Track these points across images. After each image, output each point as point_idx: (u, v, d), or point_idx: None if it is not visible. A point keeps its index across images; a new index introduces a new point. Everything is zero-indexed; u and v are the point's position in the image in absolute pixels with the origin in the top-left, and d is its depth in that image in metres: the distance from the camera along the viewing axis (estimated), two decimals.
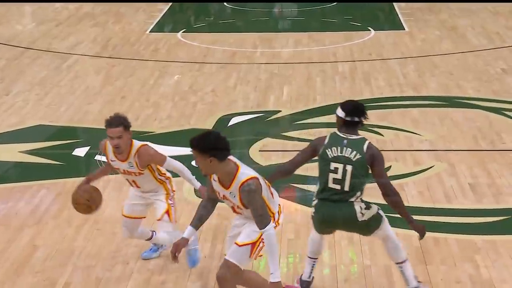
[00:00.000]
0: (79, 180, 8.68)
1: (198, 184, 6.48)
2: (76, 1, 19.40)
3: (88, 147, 9.76)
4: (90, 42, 15.34)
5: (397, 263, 6.03)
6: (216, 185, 5.39)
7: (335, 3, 19.80)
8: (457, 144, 9.80)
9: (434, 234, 6.15)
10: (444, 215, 7.48)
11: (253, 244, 5.42)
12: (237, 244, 5.44)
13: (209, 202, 5.57)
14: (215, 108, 11.37)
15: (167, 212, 6.41)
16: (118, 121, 6.10)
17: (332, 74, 13.09)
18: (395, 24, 17.19)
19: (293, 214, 8.05)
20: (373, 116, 10.66)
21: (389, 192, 5.77)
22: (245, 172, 5.27)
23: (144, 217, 6.68)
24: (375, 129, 10.28)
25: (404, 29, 16.62)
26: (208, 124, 10.63)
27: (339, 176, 5.63)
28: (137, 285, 6.50)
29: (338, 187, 5.67)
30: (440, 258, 6.36)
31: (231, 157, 5.27)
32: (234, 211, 5.57)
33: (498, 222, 7.81)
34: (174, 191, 6.61)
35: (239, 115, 11.13)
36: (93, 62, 13.95)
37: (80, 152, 9.68)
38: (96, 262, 6.93)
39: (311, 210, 5.94)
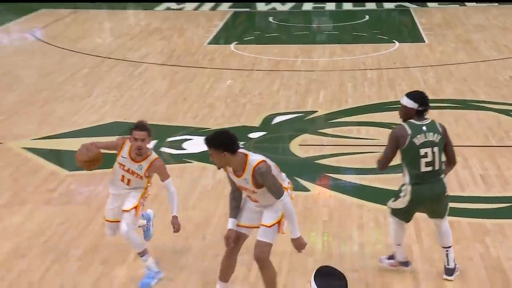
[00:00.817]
0: None
1: (175, 212, 6.18)
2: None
3: (156, 141, 9.83)
4: (158, 53, 15.46)
5: (445, 247, 6.00)
6: (232, 176, 5.42)
7: (365, 19, 19.66)
8: (470, 141, 9.71)
9: (449, 218, 6.08)
10: (458, 201, 7.38)
11: (279, 223, 5.47)
12: (266, 225, 5.46)
13: (236, 193, 5.58)
14: (261, 109, 11.38)
15: (136, 208, 6.19)
16: (144, 127, 6.00)
17: (361, 80, 13.04)
18: (417, 38, 17.04)
19: (327, 200, 8.08)
20: (397, 116, 10.70)
21: (454, 161, 5.94)
22: (254, 158, 5.28)
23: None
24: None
25: (424, 42, 16.46)
26: (255, 122, 10.67)
27: (429, 159, 5.60)
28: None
29: (430, 168, 5.64)
30: (455, 239, 6.28)
31: (239, 149, 5.27)
32: (252, 200, 5.55)
33: (505, 208, 7.78)
34: (149, 194, 6.46)
35: (282, 114, 11.13)
36: (160, 70, 14.06)
37: (148, 145, 9.74)
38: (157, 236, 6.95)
39: (401, 200, 5.82)
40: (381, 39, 16.82)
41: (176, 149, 9.57)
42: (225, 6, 21.74)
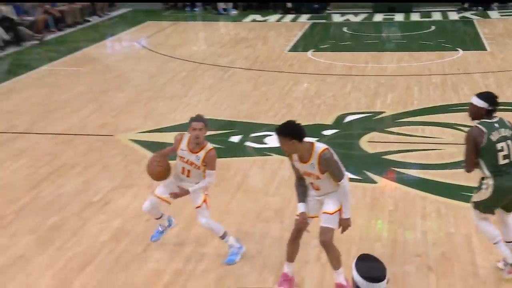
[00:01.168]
0: (233, 159, 9.00)
1: (197, 187, 6.05)
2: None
3: (240, 136, 9.93)
4: (244, 59, 15.55)
5: (509, 242, 5.77)
6: (297, 164, 5.39)
7: (431, 29, 19.23)
8: None
9: None
10: None
11: (340, 210, 5.43)
12: (328, 213, 5.42)
13: (300, 181, 5.54)
14: (334, 109, 11.29)
15: (205, 201, 6.18)
16: (201, 118, 6.00)
17: (427, 85, 12.76)
18: (479, 46, 16.52)
19: (393, 191, 7.94)
20: (459, 117, 10.45)
21: None
22: (319, 146, 5.29)
23: (170, 203, 6.40)
24: (461, 127, 9.97)
25: (486, 50, 15.95)
26: (328, 120, 10.58)
27: (505, 152, 5.45)
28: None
29: (507, 161, 5.49)
30: None
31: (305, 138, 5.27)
32: (313, 187, 5.50)
33: None
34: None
35: (353, 114, 10.99)
36: (246, 74, 14.14)
37: (235, 139, 9.86)
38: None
39: (483, 192, 5.61)
40: (445, 47, 16.39)
41: (258, 143, 9.59)
42: (304, 18, 21.71)
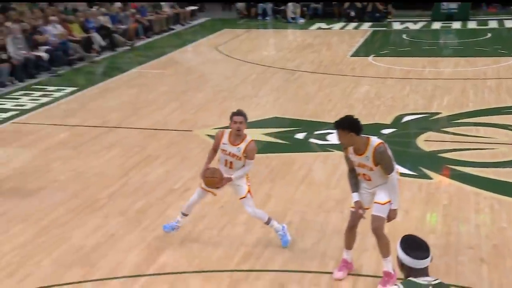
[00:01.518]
0: (298, 155, 8.97)
1: (239, 174, 6.05)
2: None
3: (305, 133, 9.87)
4: (309, 63, 15.47)
5: None
6: (353, 156, 5.32)
7: (487, 36, 18.60)
8: None
9: None
10: None
11: (389, 202, 5.32)
12: (380, 203, 5.33)
13: (353, 172, 5.46)
14: (393, 110, 11.08)
15: (249, 191, 6.16)
16: (242, 113, 6.02)
17: (482, 88, 12.36)
18: None
19: (447, 187, 7.74)
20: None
21: None
22: (375, 140, 5.22)
23: (215, 195, 6.42)
24: None
25: None
26: (387, 120, 10.38)
27: None
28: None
29: None
30: None
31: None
32: (365, 179, 5.39)
33: None
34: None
35: (410, 114, 10.76)
36: (311, 77, 14.05)
37: (300, 136, 9.81)
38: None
39: None
40: (501, 53, 15.82)
41: (321, 140, 9.52)
42: (366, 25, 21.40)
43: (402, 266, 3.17)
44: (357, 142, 5.19)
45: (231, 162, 6.09)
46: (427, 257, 3.14)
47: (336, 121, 5.21)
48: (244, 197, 6.16)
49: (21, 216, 7.14)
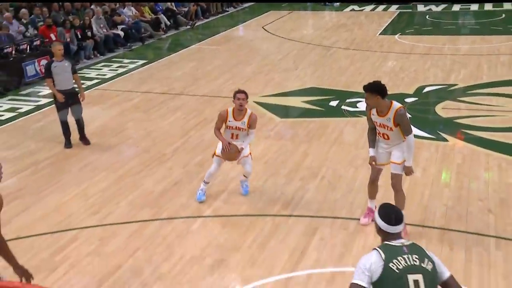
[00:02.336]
0: (331, 119, 8.85)
1: (245, 145, 5.95)
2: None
3: (338, 101, 9.72)
4: (343, 41, 15.10)
5: None
6: (375, 117, 5.20)
7: (502, 17, 17.71)
8: None
9: None
10: None
11: (404, 161, 5.21)
12: (396, 163, 5.23)
13: (372, 131, 5.35)
14: (415, 81, 10.75)
15: (250, 153, 6.12)
16: (244, 91, 5.88)
17: (495, 63, 11.86)
18: None
19: (461, 148, 7.53)
20: None
21: None
22: (397, 104, 5.11)
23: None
24: None
25: None
26: (410, 90, 10.10)
27: None
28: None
29: None
30: None
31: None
32: (384, 138, 5.26)
33: None
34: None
35: (430, 86, 10.41)
36: (344, 52, 13.73)
37: (333, 103, 9.65)
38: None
39: None
40: None
41: (352, 107, 9.35)
42: (393, 8, 20.66)
43: (380, 230, 3.03)
44: (381, 104, 5.08)
45: (236, 135, 5.99)
46: (400, 223, 3.01)
47: (365, 85, 5.12)
48: (246, 156, 6.11)
49: (103, 166, 7.34)
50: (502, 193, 6.17)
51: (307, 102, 9.80)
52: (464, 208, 5.85)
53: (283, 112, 9.44)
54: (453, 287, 2.94)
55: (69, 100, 7.79)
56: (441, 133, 8.02)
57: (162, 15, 17.29)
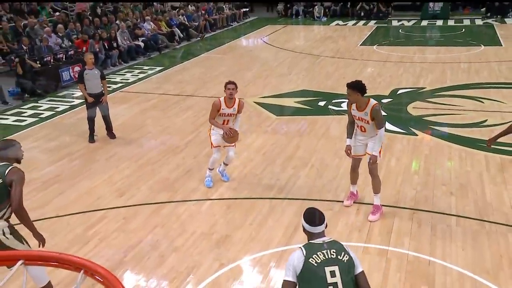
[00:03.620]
0: (319, 117, 8.81)
1: (237, 127, 5.86)
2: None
3: (325, 101, 9.68)
4: (330, 50, 15.02)
5: None
6: (355, 112, 5.12)
7: (462, 31, 17.63)
8: None
9: None
10: None
11: (379, 151, 5.15)
12: (372, 154, 5.12)
13: (351, 124, 5.27)
14: (390, 85, 10.70)
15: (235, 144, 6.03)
16: (234, 82, 5.80)
17: (457, 69, 11.81)
18: (496, 42, 14.99)
19: (428, 142, 7.49)
20: (479, 92, 9.60)
21: None
22: (373, 101, 5.06)
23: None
24: (480, 99, 9.24)
25: (502, 45, 14.45)
26: (386, 92, 10.05)
27: None
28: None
29: None
30: None
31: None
32: (361, 130, 5.20)
33: None
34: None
35: (403, 88, 10.36)
36: (331, 60, 13.67)
37: (321, 103, 9.61)
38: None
39: None
40: (471, 44, 14.98)
41: (337, 107, 9.32)
42: (372, 23, 20.53)
43: (304, 230, 2.97)
44: (360, 100, 5.04)
45: (227, 120, 5.86)
46: (321, 224, 2.94)
47: (348, 82, 5.06)
48: (234, 145, 6.01)
49: (126, 156, 7.32)
50: (462, 179, 6.16)
51: (299, 102, 9.76)
52: (430, 192, 5.85)
53: (279, 110, 9.40)
54: (362, 282, 2.79)
55: (97, 101, 7.76)
56: (411, 129, 7.99)
57: (176, 28, 17.18)
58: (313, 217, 2.95)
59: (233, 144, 6.01)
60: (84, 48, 12.64)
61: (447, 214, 5.35)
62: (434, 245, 4.80)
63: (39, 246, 3.82)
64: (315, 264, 2.76)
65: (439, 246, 4.79)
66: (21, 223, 3.70)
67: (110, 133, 8.07)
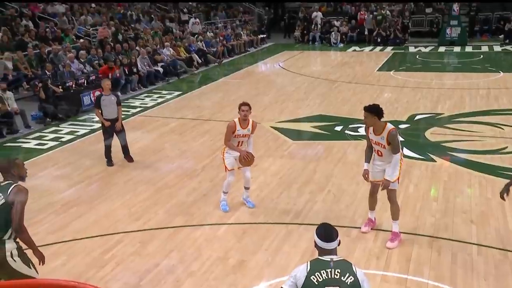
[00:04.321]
0: (336, 142, 8.80)
1: (251, 149, 5.91)
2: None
3: (342, 126, 9.69)
4: (346, 76, 15.12)
5: None
6: (372, 135, 5.11)
7: (480, 57, 17.57)
8: None
9: None
10: None
11: (398, 178, 5.13)
12: (390, 181, 5.06)
13: (369, 148, 5.25)
14: (407, 110, 10.67)
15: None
16: (248, 103, 5.85)
17: (475, 95, 11.75)
18: None
19: (447, 168, 7.39)
20: (498, 118, 9.51)
21: None
22: (390, 125, 5.04)
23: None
24: (500, 126, 9.16)
25: None
26: (403, 118, 10.01)
27: None
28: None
29: None
30: None
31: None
32: (378, 154, 5.16)
33: None
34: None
35: (421, 114, 10.32)
36: (347, 86, 13.73)
37: (338, 128, 9.62)
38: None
39: None
40: (490, 70, 14.92)
41: (354, 132, 9.31)
42: (389, 49, 20.65)
43: (316, 245, 2.94)
44: (377, 124, 5.03)
45: (242, 142, 5.92)
46: (333, 241, 2.90)
47: (366, 106, 5.07)
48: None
49: (143, 180, 7.39)
50: (482, 206, 6.04)
51: (316, 127, 9.78)
52: (450, 219, 5.75)
53: (295, 135, 9.44)
54: None
55: (113, 127, 7.91)
56: (430, 155, 7.92)
57: (194, 54, 17.53)
58: (326, 232, 2.92)
59: (239, 165, 6.08)
60: (110, 75, 12.91)
61: (467, 242, 5.24)
62: (455, 275, 4.69)
63: (39, 264, 3.88)
64: (316, 283, 2.73)
65: (460, 275, 4.68)
66: (21, 241, 3.73)
67: (128, 157, 8.18)
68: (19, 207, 3.59)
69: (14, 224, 3.59)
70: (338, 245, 2.91)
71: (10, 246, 3.63)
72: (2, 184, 3.79)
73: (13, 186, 3.70)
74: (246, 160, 5.91)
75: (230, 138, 5.90)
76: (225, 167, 6.04)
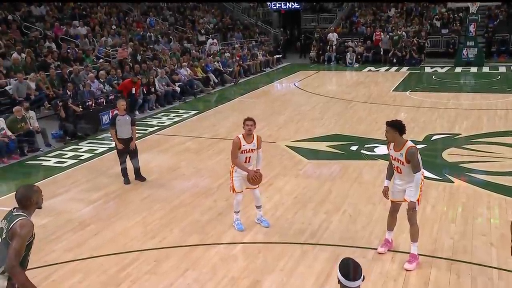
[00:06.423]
0: (352, 161, 8.74)
1: (259, 166, 5.84)
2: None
3: (357, 146, 9.64)
4: (362, 95, 15.10)
5: None
6: (392, 151, 5.08)
7: (498, 78, 17.39)
8: None
9: None
10: None
11: (418, 200, 5.04)
12: (408, 201, 5.04)
13: (391, 165, 5.20)
14: (424, 131, 10.57)
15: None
16: (252, 119, 5.82)
17: (493, 116, 11.60)
18: None
19: (465, 189, 7.28)
20: None
21: None
22: (410, 143, 4.99)
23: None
24: None
25: None
26: (420, 138, 9.89)
27: None
28: None
29: None
30: None
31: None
32: (397, 171, 5.10)
33: None
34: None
35: (437, 134, 10.22)
36: (363, 105, 13.70)
37: (354, 148, 9.58)
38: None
39: None
40: (508, 91, 14.75)
41: (370, 152, 9.26)
42: (404, 69, 20.61)
43: (338, 282, 2.80)
44: (397, 140, 5.00)
45: (249, 157, 5.88)
46: (357, 279, 2.75)
47: (388, 121, 5.06)
48: (257, 187, 6.05)
49: (159, 198, 7.42)
50: (502, 228, 5.88)
51: (331, 146, 9.75)
52: (469, 242, 5.62)
53: (311, 154, 9.41)
54: None
55: (127, 147, 8.00)
56: (447, 175, 7.81)
57: (211, 74, 17.76)
58: (349, 270, 2.78)
59: (256, 186, 6.05)
60: (134, 89, 13.02)
61: (488, 266, 5.11)
62: None
63: None
64: None
65: None
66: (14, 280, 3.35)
67: (139, 177, 8.20)
68: (16, 244, 3.28)
69: (7, 262, 3.25)
70: (363, 281, 2.78)
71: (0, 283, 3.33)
72: (14, 213, 3.49)
73: (19, 219, 3.39)
74: (255, 180, 5.92)
75: (237, 154, 5.87)
76: (233, 188, 6.03)
